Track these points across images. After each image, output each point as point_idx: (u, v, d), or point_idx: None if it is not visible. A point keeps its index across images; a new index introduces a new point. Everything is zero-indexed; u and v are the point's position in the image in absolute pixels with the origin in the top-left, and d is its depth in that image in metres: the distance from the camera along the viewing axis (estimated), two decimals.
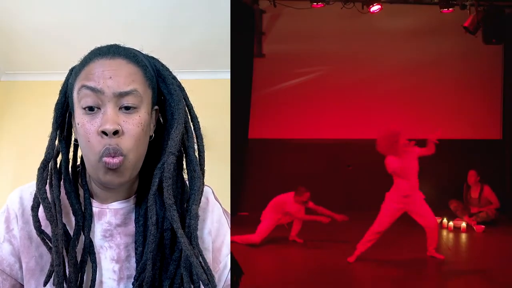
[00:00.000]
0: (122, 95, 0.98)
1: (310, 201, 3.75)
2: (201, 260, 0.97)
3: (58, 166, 1.07)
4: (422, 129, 4.95)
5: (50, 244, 1.01)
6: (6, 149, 3.97)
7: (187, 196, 1.05)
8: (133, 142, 1.00)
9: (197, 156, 1.07)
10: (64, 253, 1.02)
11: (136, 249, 1.06)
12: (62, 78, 1.09)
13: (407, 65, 4.90)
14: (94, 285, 1.05)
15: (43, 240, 1.02)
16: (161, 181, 1.00)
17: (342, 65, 4.94)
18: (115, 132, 0.97)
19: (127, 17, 3.41)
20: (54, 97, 1.09)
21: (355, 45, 4.85)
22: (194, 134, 1.09)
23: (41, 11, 3.34)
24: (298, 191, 3.69)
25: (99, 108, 0.98)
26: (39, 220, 1.02)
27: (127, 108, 1.00)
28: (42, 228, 1.02)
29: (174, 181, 1.02)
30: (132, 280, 1.06)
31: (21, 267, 1.07)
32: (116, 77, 0.99)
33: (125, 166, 1.00)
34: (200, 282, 0.96)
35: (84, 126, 0.98)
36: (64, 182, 1.07)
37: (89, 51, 1.06)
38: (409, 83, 4.94)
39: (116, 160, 0.98)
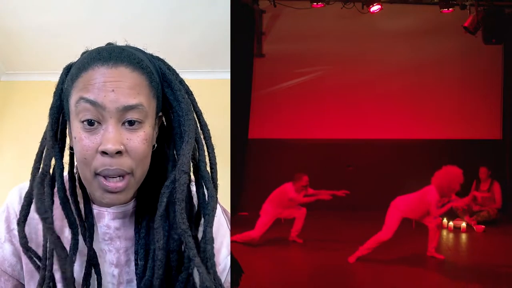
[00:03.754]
0: (126, 109, 0.90)
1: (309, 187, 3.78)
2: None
3: (51, 173, 0.98)
4: (422, 129, 4.97)
5: (39, 263, 0.95)
6: (6, 149, 3.97)
7: (195, 211, 0.98)
8: (137, 160, 0.92)
9: (211, 168, 0.98)
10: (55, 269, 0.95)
11: (136, 260, 1.00)
12: None
13: (407, 65, 4.90)
14: None
15: (30, 258, 0.96)
16: (169, 201, 0.91)
17: (342, 65, 4.94)
18: (118, 152, 0.89)
19: (127, 17, 3.41)
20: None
21: (355, 45, 4.85)
22: (204, 144, 1.00)
23: (41, 11, 3.34)
24: (296, 177, 3.72)
25: (99, 123, 0.90)
26: (25, 236, 0.94)
27: (131, 123, 0.91)
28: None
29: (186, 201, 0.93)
30: (132, 284, 1.03)
31: (22, 267, 1.04)
32: (119, 89, 0.89)
33: (130, 185, 0.94)
34: None
35: (82, 141, 0.90)
36: (58, 191, 0.97)
37: (87, 51, 0.99)
38: (409, 83, 4.94)
39: (119, 184, 0.91)
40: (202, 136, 1.00)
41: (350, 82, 4.90)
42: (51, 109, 0.98)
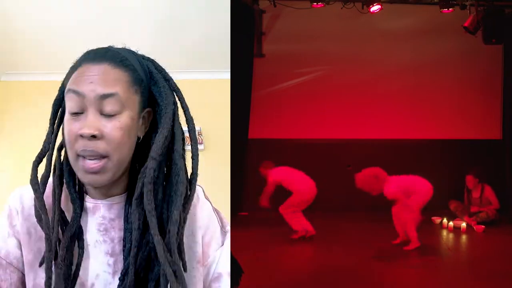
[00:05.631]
0: (102, 98, 1.02)
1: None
2: (176, 269, 0.98)
3: (61, 158, 1.12)
4: (422, 129, 4.97)
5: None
6: (5, 149, 3.97)
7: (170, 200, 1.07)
8: (112, 145, 1.03)
9: (192, 158, 1.09)
10: (61, 237, 1.07)
11: (124, 246, 1.09)
12: (62, 78, 1.11)
13: (407, 65, 4.90)
14: (75, 272, 1.08)
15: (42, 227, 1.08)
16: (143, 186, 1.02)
17: (342, 65, 4.94)
18: (93, 136, 1.01)
19: (127, 17, 3.41)
20: (54, 97, 1.12)
21: (355, 45, 4.85)
22: (183, 137, 1.10)
23: (41, 11, 3.34)
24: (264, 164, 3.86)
25: (82, 113, 1.03)
26: (44, 204, 1.07)
27: (108, 114, 1.03)
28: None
29: (159, 186, 1.04)
30: None
31: None
32: (98, 81, 1.03)
33: (107, 167, 1.04)
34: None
35: (67, 127, 1.04)
36: (64, 172, 1.11)
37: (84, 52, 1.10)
38: (409, 83, 4.94)
39: (95, 165, 1.02)
40: (187, 129, 1.11)
41: (350, 82, 4.90)
42: (54, 101, 1.12)
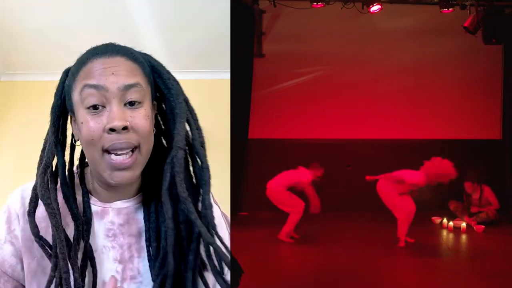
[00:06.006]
0: (126, 88, 0.98)
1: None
2: (222, 246, 0.96)
3: (53, 170, 1.05)
4: (422, 129, 4.97)
5: (50, 251, 0.99)
6: (6, 149, 3.97)
7: (195, 189, 1.05)
8: (142, 136, 1.00)
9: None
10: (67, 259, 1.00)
11: (149, 246, 1.05)
12: None
13: (407, 65, 4.90)
14: (96, 286, 1.03)
15: (42, 247, 1.00)
16: (172, 176, 0.98)
17: (342, 65, 4.94)
18: (124, 128, 0.96)
19: (127, 17, 3.40)
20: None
21: (355, 45, 4.85)
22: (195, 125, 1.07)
23: (41, 11, 3.34)
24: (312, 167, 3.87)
25: (103, 106, 0.97)
26: (37, 226, 0.99)
27: (132, 103, 0.99)
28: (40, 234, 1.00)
29: (186, 174, 1.01)
30: (135, 280, 1.06)
31: (22, 268, 1.05)
32: (118, 72, 0.98)
33: (137, 162, 1.00)
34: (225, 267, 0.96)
35: (88, 124, 0.97)
36: (62, 186, 1.04)
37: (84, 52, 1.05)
38: (409, 83, 4.94)
39: (127, 160, 0.98)
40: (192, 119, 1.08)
41: (350, 82, 4.90)
42: (52, 108, 1.05)
